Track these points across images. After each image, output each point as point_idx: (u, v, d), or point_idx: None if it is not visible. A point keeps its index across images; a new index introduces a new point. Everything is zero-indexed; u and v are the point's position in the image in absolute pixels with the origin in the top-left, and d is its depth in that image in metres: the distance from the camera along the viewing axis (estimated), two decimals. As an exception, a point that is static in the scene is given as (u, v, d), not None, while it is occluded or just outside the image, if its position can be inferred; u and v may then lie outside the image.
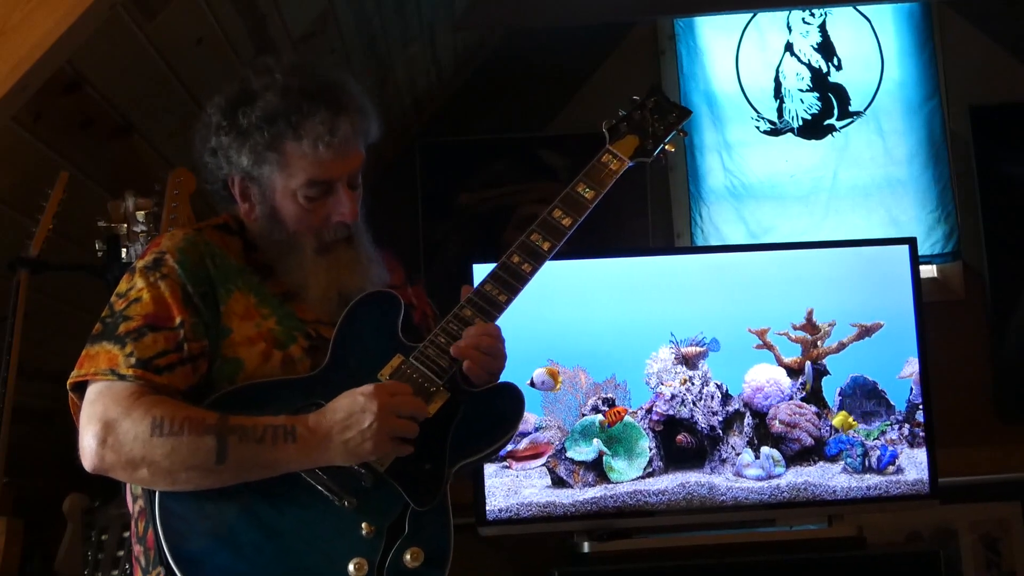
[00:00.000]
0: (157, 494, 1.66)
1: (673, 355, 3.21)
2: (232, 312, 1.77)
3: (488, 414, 1.79)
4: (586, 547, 3.14)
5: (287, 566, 1.64)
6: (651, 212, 4.09)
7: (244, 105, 1.79)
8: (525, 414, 3.17)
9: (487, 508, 3.18)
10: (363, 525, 1.66)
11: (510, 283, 1.83)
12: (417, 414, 1.70)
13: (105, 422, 1.65)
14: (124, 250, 2.55)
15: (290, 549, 1.64)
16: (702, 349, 3.22)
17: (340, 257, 1.84)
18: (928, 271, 4.08)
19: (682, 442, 3.20)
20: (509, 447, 3.17)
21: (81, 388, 1.72)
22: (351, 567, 1.64)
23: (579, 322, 3.20)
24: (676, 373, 3.21)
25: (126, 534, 2.52)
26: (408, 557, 1.66)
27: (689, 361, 3.22)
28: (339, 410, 1.67)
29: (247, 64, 1.93)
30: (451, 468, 1.74)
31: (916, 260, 3.34)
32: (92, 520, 2.68)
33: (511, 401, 1.81)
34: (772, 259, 3.38)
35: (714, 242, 4.07)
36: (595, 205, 1.93)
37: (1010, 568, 3.88)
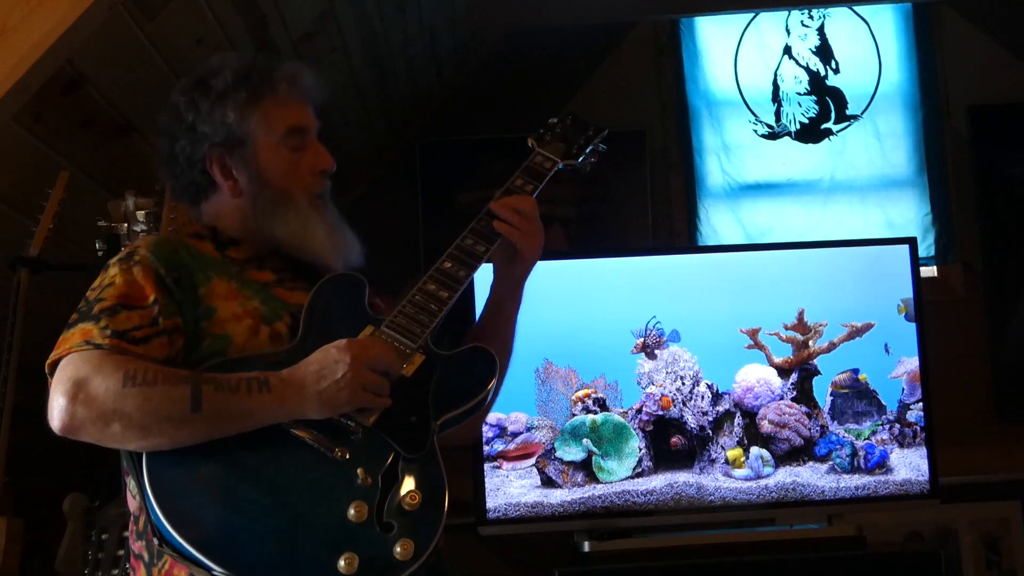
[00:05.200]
0: (145, 462, 1.65)
1: (635, 344, 3.22)
2: (215, 294, 1.79)
3: (463, 372, 1.83)
4: (586, 546, 3.14)
5: (285, 516, 1.63)
6: (651, 212, 4.09)
7: (211, 76, 1.88)
8: (518, 414, 3.20)
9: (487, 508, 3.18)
10: (358, 472, 1.66)
11: (467, 261, 1.91)
12: (390, 368, 1.73)
13: (76, 380, 1.65)
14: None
15: (287, 500, 1.64)
16: (662, 339, 3.22)
17: (326, 215, 1.91)
18: (928, 271, 4.08)
19: (676, 444, 3.20)
20: (500, 447, 3.17)
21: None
22: (351, 511, 1.63)
23: (575, 321, 3.20)
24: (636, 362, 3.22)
25: (126, 534, 2.52)
26: (407, 498, 1.66)
27: (649, 350, 3.23)
28: (312, 363, 1.69)
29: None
30: (436, 420, 1.76)
31: (916, 260, 3.34)
32: (92, 520, 2.68)
33: (482, 358, 1.86)
34: (771, 259, 3.39)
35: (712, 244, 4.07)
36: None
37: (1010, 568, 3.88)
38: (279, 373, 1.68)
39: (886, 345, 3.27)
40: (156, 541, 1.63)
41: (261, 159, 1.87)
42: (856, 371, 3.26)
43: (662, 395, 3.21)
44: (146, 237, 1.91)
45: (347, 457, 1.67)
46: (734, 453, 3.20)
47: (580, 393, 3.20)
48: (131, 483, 1.77)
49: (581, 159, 2.15)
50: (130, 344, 1.69)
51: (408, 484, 1.68)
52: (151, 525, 1.64)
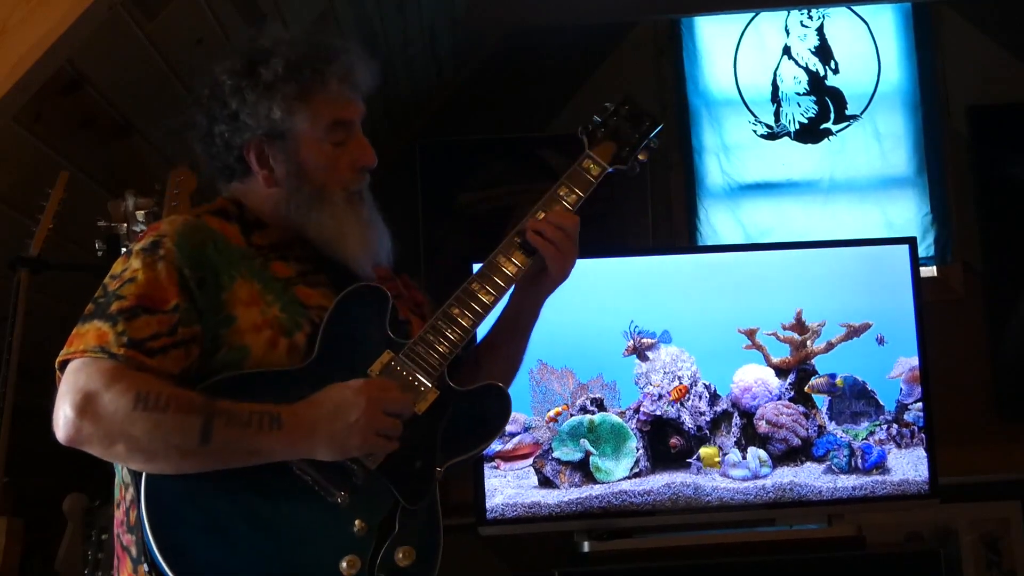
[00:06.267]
0: (144, 482, 1.62)
1: (626, 346, 3.22)
2: (237, 299, 1.73)
3: (476, 413, 1.79)
4: (586, 546, 3.15)
5: (279, 561, 1.62)
6: (651, 212, 4.09)
7: (262, 62, 1.79)
8: (515, 414, 3.20)
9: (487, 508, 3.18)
10: (356, 522, 1.65)
11: (496, 282, 1.84)
12: (404, 412, 1.69)
13: (85, 393, 1.60)
14: (124, 250, 2.55)
15: (281, 543, 1.62)
16: (652, 341, 3.22)
17: (362, 212, 1.86)
18: (927, 271, 4.08)
19: (676, 446, 3.21)
20: (498, 447, 3.17)
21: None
22: (343, 564, 1.62)
23: (573, 322, 3.20)
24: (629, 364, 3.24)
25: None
26: (400, 555, 1.65)
27: (640, 352, 3.22)
28: (326, 402, 1.66)
29: (244, 38, 1.92)
30: (441, 467, 1.73)
31: (916, 260, 3.34)
32: (92, 520, 2.68)
33: (498, 401, 1.81)
34: (770, 259, 3.39)
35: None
36: (577, 209, 1.94)
37: (1010, 568, 3.88)
38: (293, 408, 1.65)
39: (879, 336, 3.26)
40: (146, 567, 1.62)
41: (302, 153, 1.80)
42: (833, 375, 3.26)
43: (677, 385, 3.20)
44: (172, 220, 1.79)
45: (347, 502, 1.65)
46: (708, 452, 3.20)
47: (553, 412, 3.19)
48: (124, 472, 1.74)
49: (631, 160, 2.01)
50: (146, 356, 1.64)
51: (403, 538, 1.67)
52: (143, 549, 1.62)
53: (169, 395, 1.61)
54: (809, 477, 3.21)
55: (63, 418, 1.62)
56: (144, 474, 1.63)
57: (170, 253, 1.71)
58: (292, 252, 1.83)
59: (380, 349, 1.76)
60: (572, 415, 3.21)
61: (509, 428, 3.18)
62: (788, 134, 4.17)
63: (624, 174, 2.03)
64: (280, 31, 1.87)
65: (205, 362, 1.71)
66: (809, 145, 4.17)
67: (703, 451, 3.20)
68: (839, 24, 4.20)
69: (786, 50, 4.20)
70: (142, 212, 2.55)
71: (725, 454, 3.21)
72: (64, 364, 1.67)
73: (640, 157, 2.03)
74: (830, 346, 3.27)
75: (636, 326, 3.22)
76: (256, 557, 1.61)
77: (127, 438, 1.60)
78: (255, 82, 1.78)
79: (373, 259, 1.85)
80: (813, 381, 3.25)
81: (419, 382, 1.73)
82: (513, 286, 1.87)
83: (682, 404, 3.21)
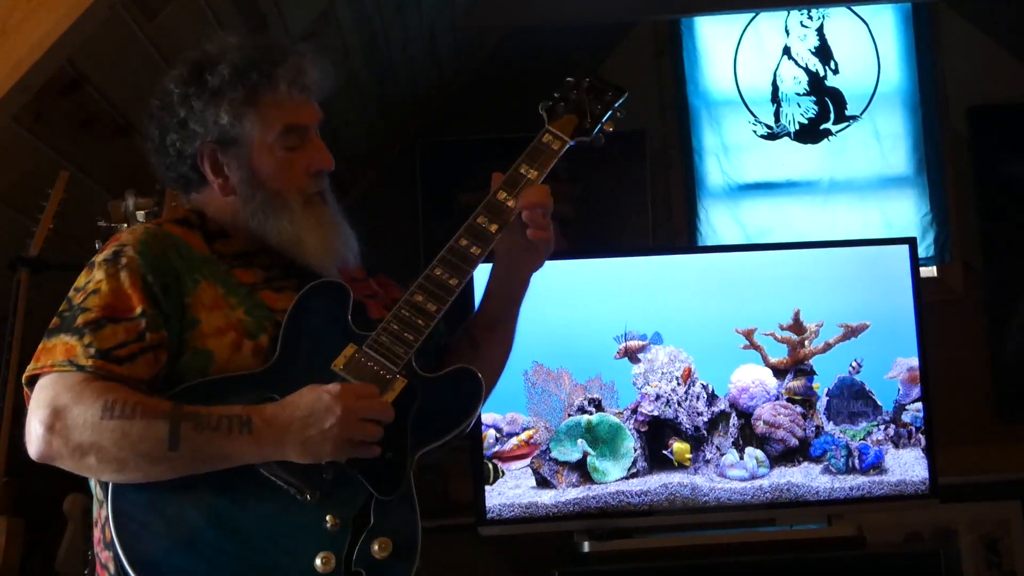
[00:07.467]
0: (110, 494, 1.62)
1: (618, 349, 3.22)
2: (200, 303, 1.72)
3: (447, 399, 1.76)
4: (586, 547, 3.15)
5: (250, 565, 1.60)
6: (651, 212, 4.09)
7: (208, 69, 1.77)
8: (513, 414, 3.18)
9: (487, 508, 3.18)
10: (327, 518, 1.62)
11: (459, 266, 1.80)
12: (382, 417, 1.66)
13: (54, 408, 1.61)
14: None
15: (253, 547, 1.60)
16: (644, 343, 3.22)
17: (323, 214, 1.82)
18: (927, 271, 4.08)
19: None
20: (495, 447, 3.17)
21: (37, 382, 1.68)
22: (318, 561, 1.59)
23: (571, 322, 3.20)
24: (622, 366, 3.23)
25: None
26: (376, 547, 1.62)
27: (632, 354, 3.22)
28: (301, 406, 1.63)
29: (193, 47, 1.88)
30: (413, 456, 1.70)
31: (916, 260, 3.34)
32: (92, 519, 2.68)
33: (470, 383, 1.78)
34: (769, 259, 3.39)
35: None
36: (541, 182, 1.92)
37: (1010, 568, 3.88)
38: (263, 412, 1.63)
39: (856, 363, 3.26)
40: None
41: (254, 160, 1.78)
42: (811, 379, 3.26)
43: (684, 368, 3.20)
44: (133, 230, 1.79)
45: (317, 499, 1.63)
46: (680, 447, 3.19)
47: (525, 435, 3.19)
48: (97, 489, 1.73)
49: (596, 131, 1.99)
50: (115, 364, 1.63)
51: (379, 529, 1.63)
52: (117, 567, 1.62)
53: (136, 402, 1.61)
54: (807, 477, 3.21)
55: (34, 435, 1.63)
56: (111, 490, 1.62)
57: (132, 261, 1.71)
58: (258, 260, 1.81)
59: (343, 343, 1.73)
60: (570, 414, 3.20)
61: (507, 428, 3.18)
62: (788, 134, 4.17)
63: (589, 146, 2.00)
64: (229, 38, 1.84)
65: (171, 366, 1.70)
66: (809, 145, 4.17)
67: (676, 446, 3.19)
68: (839, 24, 4.20)
69: (786, 50, 4.20)
70: (142, 212, 2.55)
71: (723, 454, 3.21)
72: (32, 379, 1.67)
73: (607, 128, 2.01)
74: (828, 346, 3.27)
75: (624, 332, 3.22)
76: (228, 562, 1.60)
77: (97, 449, 1.60)
78: (201, 89, 1.77)
79: (338, 261, 1.82)
80: (790, 383, 3.24)
81: (386, 371, 1.71)
82: (478, 265, 1.83)
83: (680, 404, 3.21)
